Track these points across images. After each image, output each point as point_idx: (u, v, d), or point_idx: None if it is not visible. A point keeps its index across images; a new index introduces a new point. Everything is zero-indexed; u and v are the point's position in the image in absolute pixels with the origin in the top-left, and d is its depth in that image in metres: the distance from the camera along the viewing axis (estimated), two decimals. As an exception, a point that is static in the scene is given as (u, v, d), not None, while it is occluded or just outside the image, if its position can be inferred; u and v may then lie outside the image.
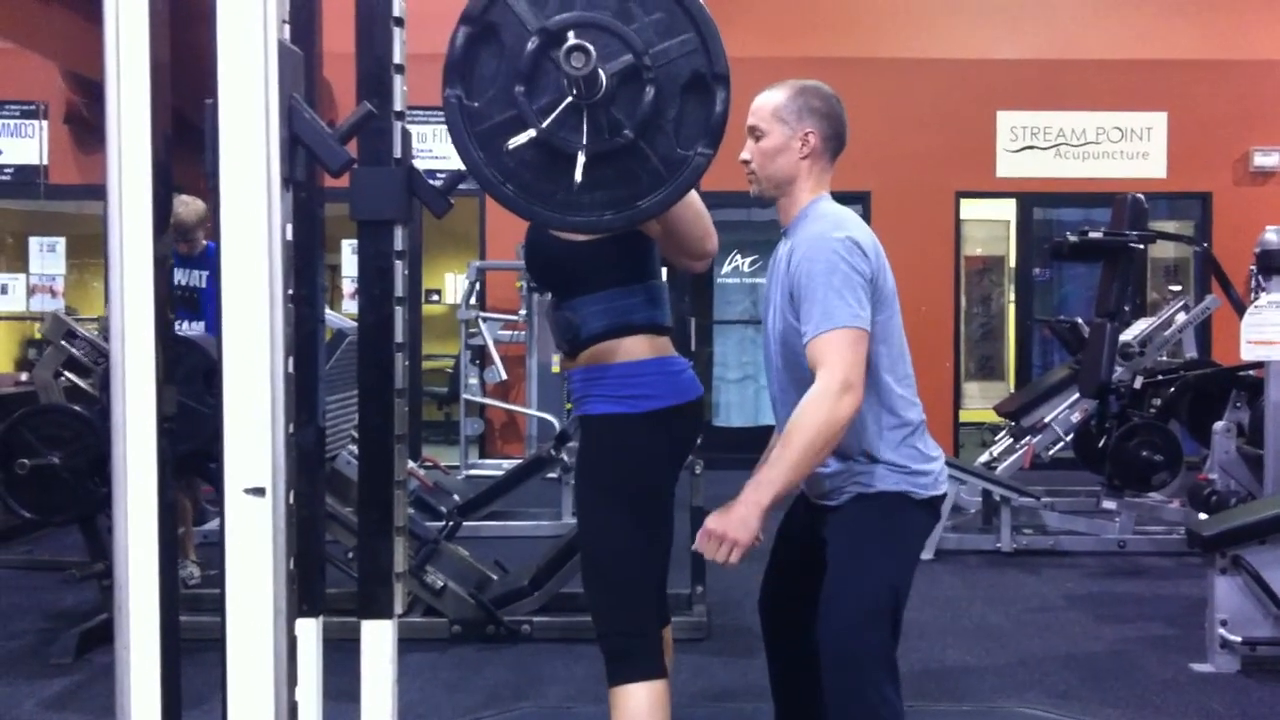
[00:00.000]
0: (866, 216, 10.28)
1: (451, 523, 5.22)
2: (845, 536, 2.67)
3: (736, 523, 2.44)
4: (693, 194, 2.52)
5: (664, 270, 2.83)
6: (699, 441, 2.98)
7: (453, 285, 12.58)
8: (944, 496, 2.77)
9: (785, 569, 2.91)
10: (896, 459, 2.65)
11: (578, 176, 2.14)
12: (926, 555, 6.44)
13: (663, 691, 2.59)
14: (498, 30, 2.22)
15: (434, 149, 9.96)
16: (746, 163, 2.75)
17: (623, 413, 2.60)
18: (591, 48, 2.06)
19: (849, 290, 2.51)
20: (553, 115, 2.15)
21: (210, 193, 2.21)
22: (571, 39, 2.09)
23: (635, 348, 2.62)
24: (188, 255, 5.69)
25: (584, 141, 2.14)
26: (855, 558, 2.64)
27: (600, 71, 2.14)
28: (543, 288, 2.92)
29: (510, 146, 2.17)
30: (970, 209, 10.80)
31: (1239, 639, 4.32)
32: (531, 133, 2.16)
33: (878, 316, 2.60)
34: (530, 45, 2.20)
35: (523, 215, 2.34)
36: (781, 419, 2.75)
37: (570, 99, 2.17)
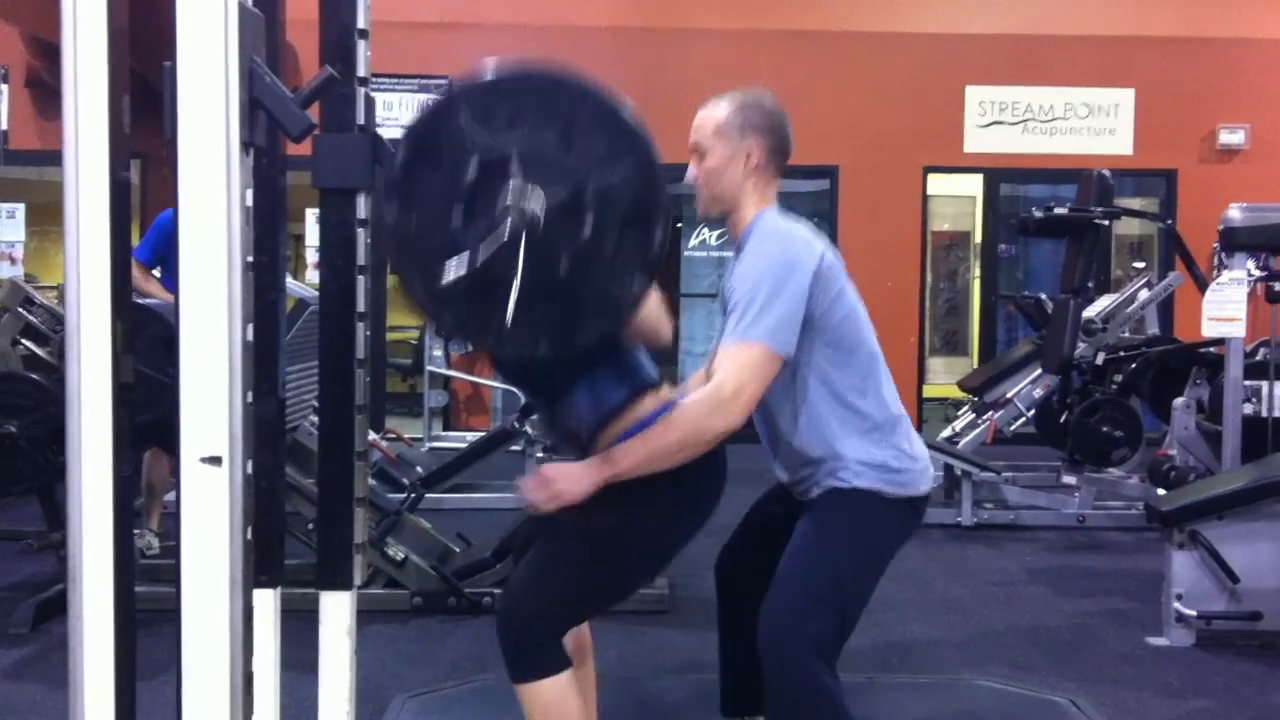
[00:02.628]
0: (834, 191, 10.34)
1: (414, 495, 5.20)
2: (810, 524, 2.67)
3: (570, 479, 2.42)
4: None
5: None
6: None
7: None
8: (925, 497, 2.75)
9: (751, 536, 2.91)
10: (867, 457, 2.64)
11: (510, 310, 2.08)
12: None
13: (571, 678, 2.57)
14: (441, 150, 2.15)
15: (399, 117, 9.88)
16: (693, 182, 2.73)
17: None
18: (528, 206, 2.02)
19: (777, 307, 2.49)
20: (488, 247, 2.08)
21: (169, 157, 2.18)
22: (508, 200, 2.03)
23: (641, 409, 2.56)
24: None
25: (518, 274, 2.07)
26: (812, 548, 2.63)
27: (538, 206, 2.08)
28: (529, 392, 2.91)
29: (444, 282, 2.11)
30: (937, 184, 10.82)
31: (1195, 613, 4.36)
32: (464, 269, 2.10)
33: (828, 320, 2.59)
34: (471, 171, 2.13)
35: (458, 343, 2.31)
36: (763, 434, 2.75)
37: (506, 231, 2.11)
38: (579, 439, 2.60)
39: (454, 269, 2.10)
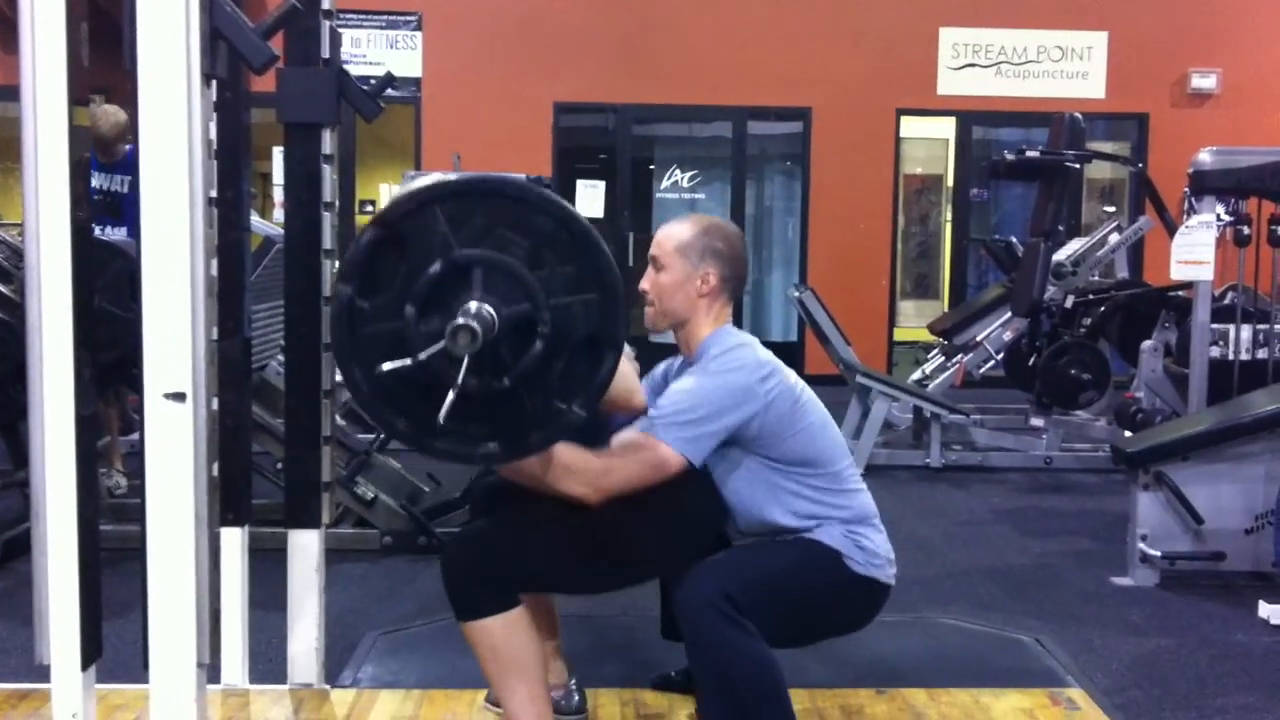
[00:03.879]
0: (807, 133, 10.30)
1: (383, 434, 5.18)
2: (767, 542, 2.73)
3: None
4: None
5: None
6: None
7: (387, 196, 12.42)
8: (887, 590, 2.77)
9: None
10: (841, 531, 2.69)
11: (443, 414, 2.06)
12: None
13: (521, 612, 2.56)
14: (406, 241, 2.12)
15: (367, 54, 9.76)
16: (645, 292, 2.76)
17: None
18: (479, 330, 1.98)
19: (707, 426, 2.55)
20: (431, 350, 2.06)
21: (128, 89, 2.14)
22: (460, 320, 2.00)
23: None
24: (108, 163, 5.57)
25: (459, 380, 2.04)
26: (756, 555, 2.69)
27: (490, 326, 2.06)
28: None
29: (383, 369, 2.08)
30: (910, 127, 10.79)
31: (1159, 553, 4.41)
32: (407, 361, 2.08)
33: (783, 436, 2.64)
34: (434, 269, 2.10)
35: (390, 433, 2.27)
36: (739, 512, 2.76)
37: (455, 348, 2.07)
38: None
39: (394, 364, 2.09)
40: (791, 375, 2.72)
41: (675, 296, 2.72)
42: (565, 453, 2.44)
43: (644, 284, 2.76)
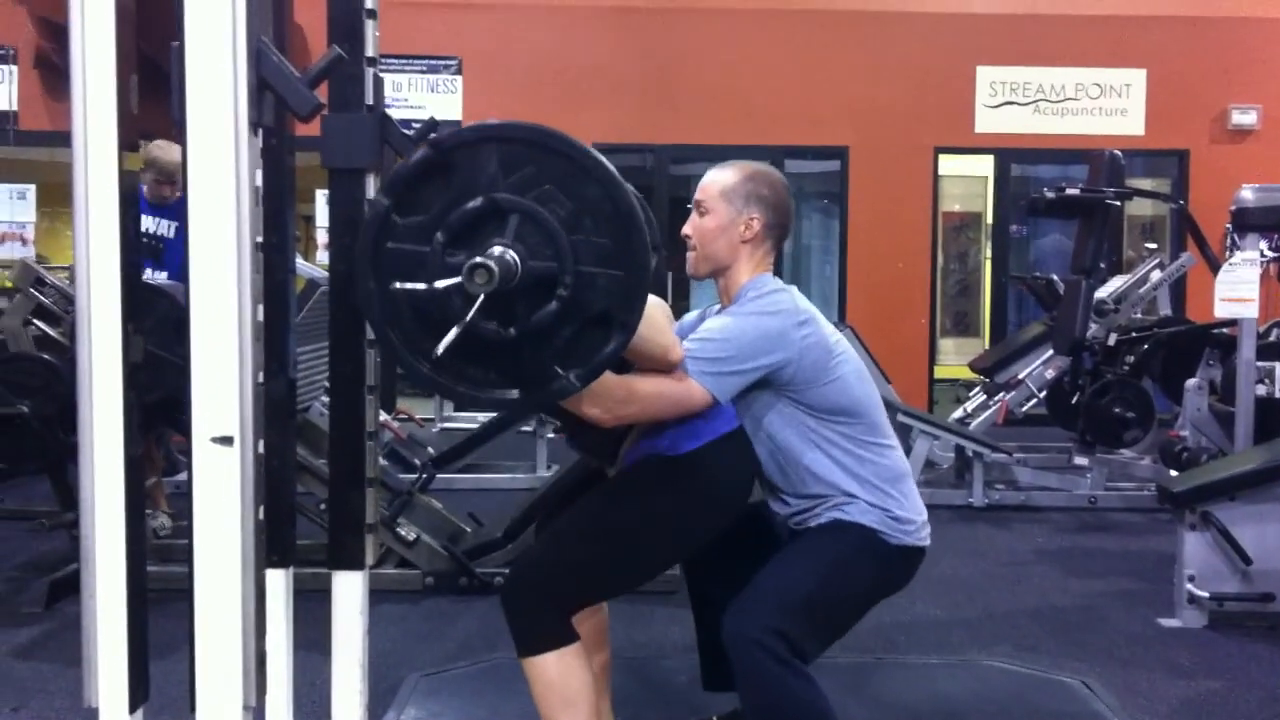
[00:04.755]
0: (844, 171, 10.31)
1: (425, 475, 5.21)
2: (800, 544, 2.70)
3: None
4: (644, 324, 2.36)
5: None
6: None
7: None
8: (923, 551, 2.76)
9: (720, 547, 2.86)
10: (873, 499, 2.67)
11: (442, 346, 2.07)
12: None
13: (578, 652, 2.57)
14: (455, 170, 2.13)
15: (409, 98, 9.87)
16: (688, 237, 2.75)
17: (699, 445, 2.62)
18: (497, 273, 1.98)
19: (736, 365, 2.54)
20: (448, 283, 2.06)
21: (178, 138, 2.18)
22: (480, 259, 2.00)
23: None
24: (162, 203, 5.65)
25: (466, 317, 2.05)
26: (791, 565, 2.64)
27: (514, 267, 2.06)
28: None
29: (398, 286, 2.10)
30: (948, 165, 10.78)
31: (1207, 594, 4.36)
32: (421, 286, 2.09)
33: (816, 386, 2.62)
34: (473, 203, 2.10)
35: (383, 343, 2.25)
36: (770, 468, 2.75)
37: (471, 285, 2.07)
38: (613, 451, 2.69)
39: (410, 285, 2.09)
40: (829, 326, 2.69)
41: (718, 241, 2.70)
42: (641, 380, 2.46)
43: (686, 229, 2.74)
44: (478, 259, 2.00)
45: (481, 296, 2.02)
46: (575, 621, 2.62)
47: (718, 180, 2.72)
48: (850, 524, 2.65)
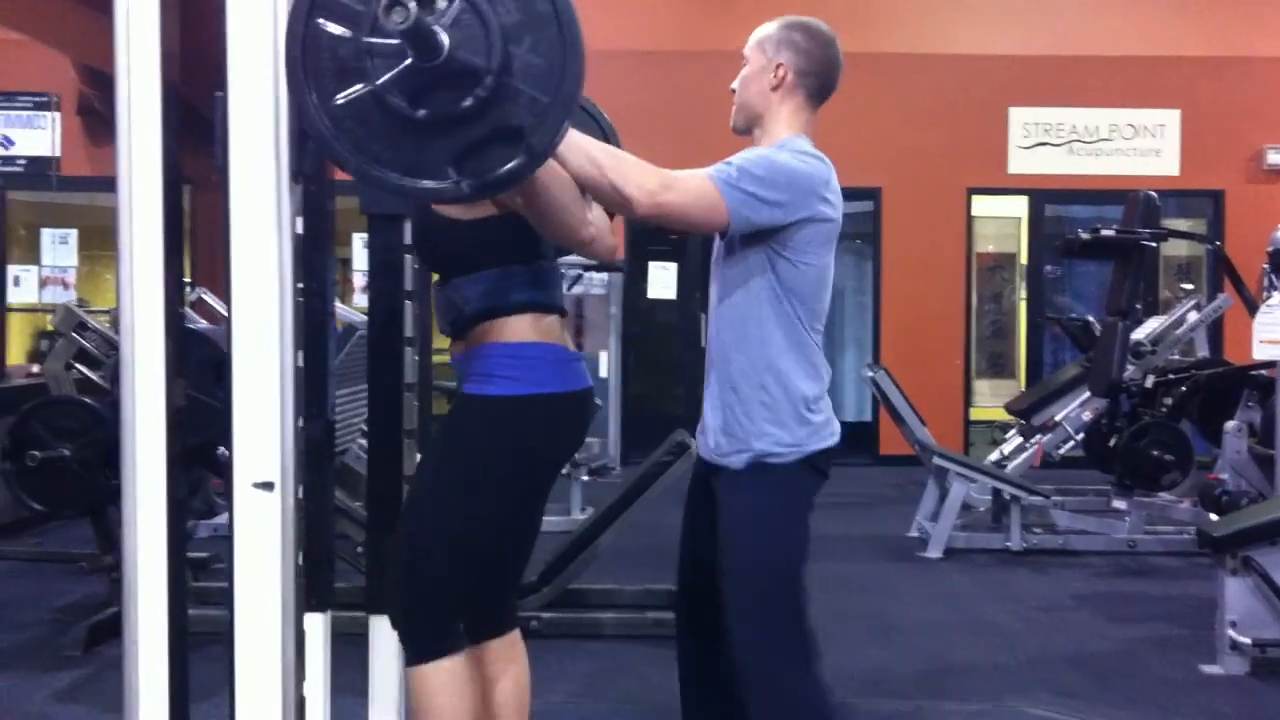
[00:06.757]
0: (877, 212, 10.31)
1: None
2: (729, 524, 2.65)
3: None
4: (562, 175, 2.34)
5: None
6: (584, 439, 2.86)
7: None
8: (826, 453, 2.68)
9: (692, 565, 2.83)
10: (792, 388, 2.62)
11: (342, 96, 2.00)
12: (934, 554, 6.44)
13: (462, 666, 2.52)
14: None
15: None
16: (734, 91, 2.72)
17: (495, 394, 2.50)
18: (413, 12, 1.84)
19: (754, 188, 2.47)
20: (371, 38, 1.97)
21: (220, 184, 2.21)
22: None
23: (516, 329, 2.52)
24: None
25: (378, 80, 1.97)
26: (738, 555, 2.62)
27: (438, 31, 1.96)
28: (429, 268, 2.83)
29: (337, 102, 2.03)
30: (982, 206, 10.77)
31: (1249, 640, 4.30)
32: (360, 88, 2.01)
33: (797, 261, 2.57)
34: None
35: (354, 173, 2.15)
36: (711, 354, 2.72)
37: (409, 60, 1.99)
38: (455, 324, 2.57)
39: (350, 92, 2.01)
40: (838, 217, 2.64)
41: (750, 88, 2.68)
42: (627, 156, 2.41)
43: (735, 81, 2.71)
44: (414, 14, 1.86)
45: (401, 66, 1.96)
46: (487, 649, 2.65)
47: (759, 31, 2.70)
48: (760, 469, 2.59)
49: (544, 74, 2.04)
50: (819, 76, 2.68)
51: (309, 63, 2.06)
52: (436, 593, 2.53)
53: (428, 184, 2.09)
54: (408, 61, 1.98)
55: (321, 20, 2.03)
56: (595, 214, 2.58)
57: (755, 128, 2.70)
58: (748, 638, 2.59)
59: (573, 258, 4.04)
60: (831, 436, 2.66)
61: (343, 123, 2.07)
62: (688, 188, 2.44)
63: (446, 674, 2.50)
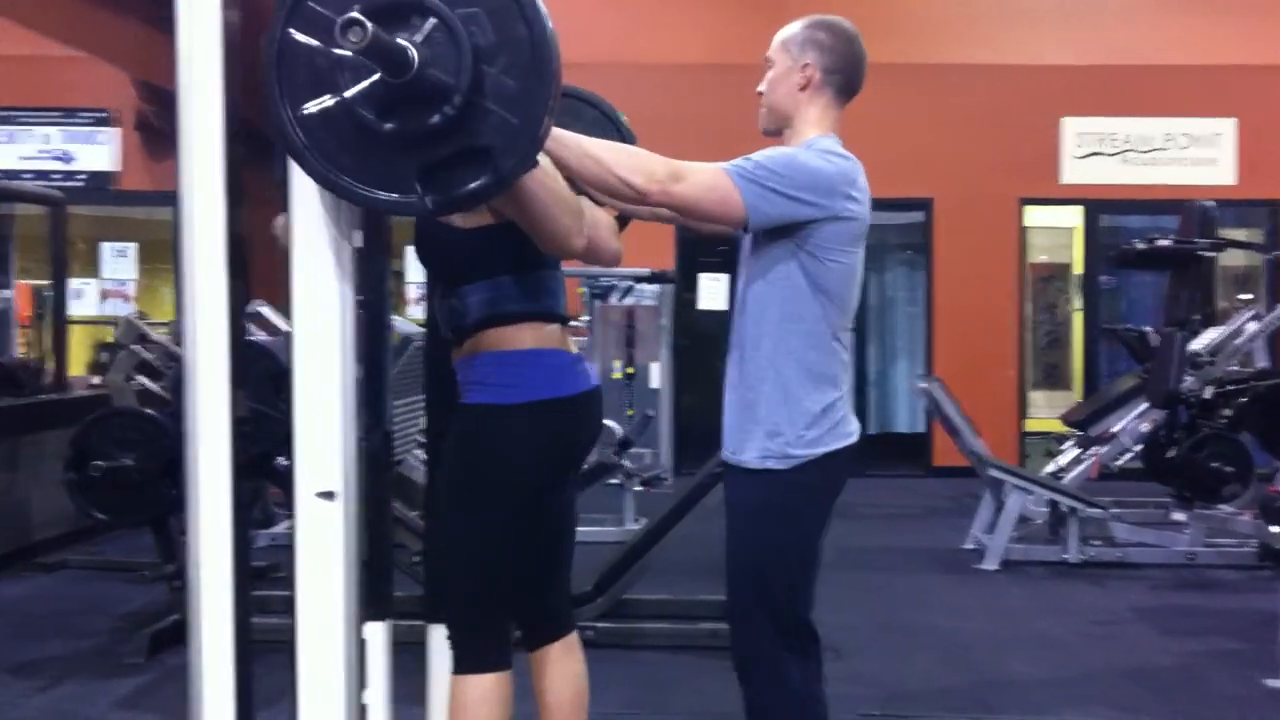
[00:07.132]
0: (929, 223, 10.26)
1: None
2: (729, 522, 2.73)
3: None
4: (553, 184, 2.35)
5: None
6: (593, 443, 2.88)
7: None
8: (837, 454, 2.68)
9: None
10: (802, 396, 2.64)
11: (312, 106, 2.01)
12: (991, 566, 6.39)
13: (502, 684, 2.54)
14: None
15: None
16: (760, 95, 2.72)
17: (494, 403, 2.51)
18: (369, 32, 1.85)
19: (779, 186, 2.47)
20: (341, 52, 1.98)
21: (280, 199, 2.24)
22: (354, 13, 1.88)
23: (515, 337, 2.53)
24: None
25: (346, 92, 2.00)
26: (730, 550, 2.71)
27: (407, 48, 1.98)
28: (432, 276, 2.85)
29: (305, 111, 2.04)
30: (1035, 216, 10.68)
31: (1312, 654, 4.24)
32: (328, 99, 2.03)
33: (822, 257, 2.57)
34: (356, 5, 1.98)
35: (319, 182, 2.14)
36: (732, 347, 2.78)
37: (378, 75, 2.00)
38: (457, 330, 2.57)
39: (317, 103, 2.04)
40: (865, 215, 2.64)
41: (777, 90, 2.68)
42: (631, 149, 2.45)
43: (761, 85, 2.71)
44: (355, 15, 1.87)
45: (369, 80, 1.98)
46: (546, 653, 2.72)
47: (783, 32, 2.69)
48: (772, 471, 2.62)
49: (515, 96, 2.05)
50: (845, 74, 2.68)
51: (284, 71, 2.08)
52: (469, 602, 2.57)
53: (392, 197, 2.10)
54: (376, 76, 2.01)
55: (293, 30, 2.05)
56: (599, 217, 2.61)
57: (785, 128, 2.71)
58: (736, 631, 2.68)
59: (625, 269, 4.06)
60: (846, 438, 2.67)
61: (314, 132, 2.08)
62: (699, 180, 2.46)
63: (484, 689, 2.52)
